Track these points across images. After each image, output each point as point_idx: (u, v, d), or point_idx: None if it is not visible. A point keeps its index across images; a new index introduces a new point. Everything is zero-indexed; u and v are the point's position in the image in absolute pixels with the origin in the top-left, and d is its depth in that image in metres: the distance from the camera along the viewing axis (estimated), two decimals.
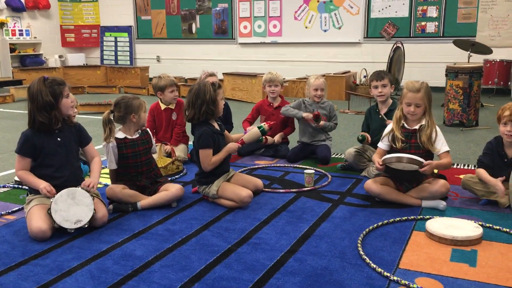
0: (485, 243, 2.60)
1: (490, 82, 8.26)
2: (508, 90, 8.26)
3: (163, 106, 4.38)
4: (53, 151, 2.85)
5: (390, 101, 3.94)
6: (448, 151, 3.16)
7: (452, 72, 5.88)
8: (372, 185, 3.23)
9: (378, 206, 3.17)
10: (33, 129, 2.83)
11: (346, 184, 3.66)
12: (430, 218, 2.86)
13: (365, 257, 2.40)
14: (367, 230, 2.74)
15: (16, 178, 3.65)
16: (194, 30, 10.96)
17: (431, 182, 3.15)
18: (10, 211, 3.12)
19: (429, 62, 8.88)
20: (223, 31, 10.67)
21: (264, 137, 4.20)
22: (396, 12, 9.17)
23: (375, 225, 2.81)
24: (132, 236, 2.72)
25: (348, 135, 5.48)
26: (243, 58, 10.47)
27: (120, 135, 3.22)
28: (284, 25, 10.07)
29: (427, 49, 9.00)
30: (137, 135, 3.28)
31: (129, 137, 3.24)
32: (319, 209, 3.14)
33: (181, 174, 3.95)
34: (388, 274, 2.22)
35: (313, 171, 3.70)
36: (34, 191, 2.85)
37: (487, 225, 2.80)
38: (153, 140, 3.43)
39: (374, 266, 2.30)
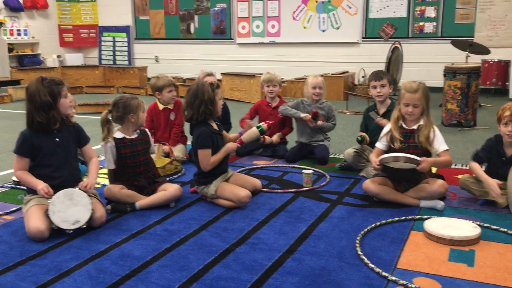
0: (483, 243, 2.60)
1: (488, 83, 8.27)
2: (506, 90, 8.27)
3: (161, 106, 4.37)
4: (51, 151, 2.85)
5: (389, 101, 3.94)
6: (447, 150, 3.17)
7: (450, 72, 5.89)
8: (370, 185, 3.23)
9: (376, 206, 3.18)
10: (32, 129, 2.83)
11: (345, 184, 3.66)
12: (428, 218, 2.86)
13: (363, 257, 2.40)
14: (365, 230, 2.75)
15: (14, 178, 3.64)
16: (192, 30, 10.96)
17: (429, 182, 3.15)
18: (8, 211, 3.11)
19: (427, 62, 8.89)
20: (221, 31, 10.67)
21: (262, 136, 4.20)
22: (394, 12, 9.17)
23: (373, 225, 2.82)
24: (130, 236, 2.72)
25: (347, 135, 5.48)
26: (242, 58, 10.47)
27: (118, 135, 3.22)
28: (282, 25, 10.07)
29: (425, 49, 9.01)
30: (136, 135, 3.28)
31: (127, 137, 3.24)
32: (317, 209, 3.14)
33: (180, 174, 3.95)
34: (386, 274, 2.23)
35: (312, 171, 3.70)
36: (32, 191, 2.85)
37: (485, 225, 2.80)
38: (152, 140, 3.42)
39: (372, 266, 2.30)
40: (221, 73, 8.92)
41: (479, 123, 5.97)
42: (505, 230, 2.74)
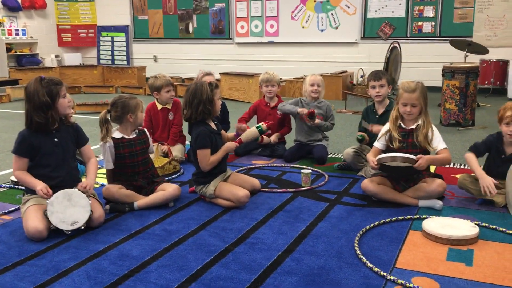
0: (482, 242, 2.60)
1: (486, 82, 8.28)
2: (504, 90, 8.28)
3: (159, 106, 4.37)
4: (50, 151, 2.84)
5: (387, 101, 3.94)
6: (446, 148, 3.17)
7: (448, 72, 5.90)
8: (369, 184, 3.23)
9: (375, 205, 3.18)
10: (30, 129, 2.83)
11: (343, 184, 3.66)
12: (426, 218, 2.87)
13: (362, 256, 2.40)
14: (364, 229, 2.75)
15: (12, 178, 3.64)
16: (191, 30, 10.95)
17: (427, 181, 3.16)
18: (6, 211, 3.11)
19: (426, 62, 8.90)
20: (220, 31, 10.66)
21: (260, 136, 4.20)
22: (392, 12, 9.18)
23: (371, 225, 2.82)
24: (129, 236, 2.72)
25: (345, 135, 5.49)
26: (240, 58, 10.47)
27: (117, 134, 3.22)
28: (281, 25, 10.07)
29: (424, 49, 9.02)
30: (134, 135, 3.28)
31: (126, 137, 3.23)
32: (316, 208, 3.14)
33: (178, 174, 3.95)
34: (385, 274, 2.23)
35: (310, 171, 3.70)
36: (31, 191, 2.85)
37: (483, 224, 2.81)
38: (150, 140, 3.42)
39: (371, 265, 2.30)
40: (220, 73, 8.92)
41: (478, 123, 5.98)
42: (504, 229, 2.74)
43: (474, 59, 7.63)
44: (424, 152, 3.20)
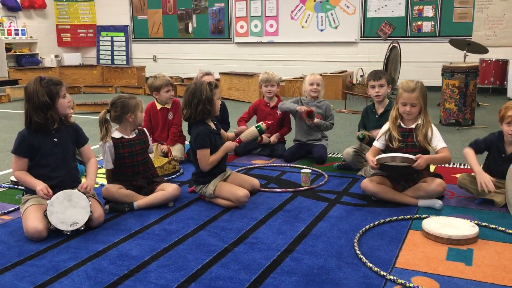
0: (481, 242, 2.60)
1: (486, 82, 8.28)
2: (504, 89, 8.28)
3: (159, 106, 4.37)
4: (49, 151, 2.84)
5: (387, 101, 3.94)
6: (445, 147, 3.17)
7: (448, 72, 5.90)
8: (368, 184, 3.23)
9: (375, 205, 3.18)
10: (30, 129, 2.82)
11: (343, 184, 3.66)
12: (426, 217, 2.87)
13: (362, 256, 2.40)
14: (363, 229, 2.75)
15: (12, 178, 3.63)
16: (190, 29, 10.95)
17: (427, 181, 3.16)
18: (6, 211, 3.11)
19: (425, 62, 8.90)
20: (219, 30, 10.66)
21: (260, 135, 4.20)
22: (392, 11, 9.18)
23: (371, 224, 2.82)
24: (129, 236, 2.72)
25: (345, 135, 5.49)
26: (240, 58, 10.46)
27: (116, 134, 3.22)
28: (280, 25, 10.07)
29: (423, 49, 9.02)
30: (134, 135, 3.28)
31: (126, 136, 3.23)
32: (315, 208, 3.14)
33: (178, 173, 3.94)
34: (385, 273, 2.23)
35: (310, 170, 3.70)
36: (30, 191, 2.85)
37: (483, 224, 2.81)
38: (150, 140, 3.42)
39: (371, 265, 2.30)
40: (219, 73, 8.92)
41: (477, 122, 5.98)
42: (503, 229, 2.74)
43: (473, 59, 7.63)
44: (424, 151, 3.21)
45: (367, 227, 2.78)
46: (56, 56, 11.63)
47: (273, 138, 4.51)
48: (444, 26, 8.87)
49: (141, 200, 3.14)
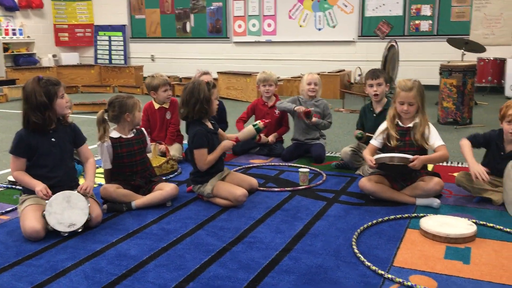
0: (479, 240, 2.61)
1: (483, 80, 8.30)
2: (501, 88, 8.29)
3: (156, 106, 4.37)
4: (47, 151, 2.84)
5: (385, 100, 3.95)
6: (443, 145, 3.17)
7: (446, 71, 5.90)
8: (366, 183, 3.23)
9: (373, 204, 3.18)
10: (27, 129, 2.82)
11: (341, 183, 3.67)
12: (424, 216, 2.87)
13: (360, 255, 2.40)
14: (361, 228, 2.75)
15: (10, 178, 3.63)
16: (188, 29, 10.94)
17: (425, 180, 3.16)
18: (3, 211, 3.10)
19: (423, 61, 8.91)
20: (217, 30, 10.65)
21: (258, 135, 4.21)
22: (390, 10, 9.18)
23: (369, 223, 2.82)
24: (127, 236, 2.72)
25: (343, 134, 5.49)
26: (238, 57, 10.46)
27: (114, 134, 3.21)
28: (278, 24, 10.06)
29: (421, 48, 9.02)
30: (132, 135, 3.27)
31: (124, 136, 3.23)
32: (314, 207, 3.14)
33: (176, 173, 3.94)
34: (383, 272, 2.23)
35: (308, 169, 3.70)
36: (28, 191, 2.84)
37: (481, 222, 2.81)
38: (148, 140, 3.42)
39: (369, 264, 2.31)
40: (217, 72, 8.91)
41: (475, 121, 5.99)
42: (501, 227, 2.75)
43: (471, 58, 7.64)
44: (422, 149, 3.21)
45: (365, 226, 2.79)
46: (54, 56, 11.61)
47: (271, 138, 4.51)
48: (442, 25, 8.88)
49: (139, 200, 3.14)
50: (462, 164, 4.13)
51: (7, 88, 8.91)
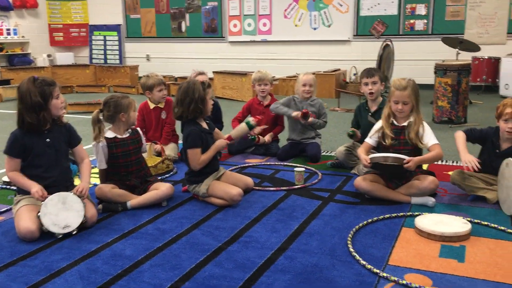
0: (474, 238, 2.62)
1: (478, 79, 8.32)
2: (496, 87, 8.32)
3: (152, 105, 4.36)
4: (42, 151, 2.83)
5: (380, 98, 3.95)
6: (437, 144, 3.18)
7: (440, 70, 5.92)
8: (361, 182, 3.24)
9: (368, 203, 3.19)
10: (22, 130, 2.81)
11: (336, 182, 3.67)
12: (419, 215, 2.88)
13: (355, 254, 2.41)
14: (357, 227, 2.76)
15: (4, 179, 3.61)
16: (183, 28, 10.92)
17: (420, 178, 3.17)
18: None
19: (418, 60, 8.93)
20: (212, 29, 10.64)
21: (256, 136, 4.22)
22: (385, 10, 9.20)
23: (365, 222, 2.83)
24: (122, 236, 2.71)
25: (338, 133, 5.50)
26: (233, 57, 10.45)
27: (110, 134, 3.21)
28: (274, 23, 10.06)
29: (416, 47, 9.04)
30: (127, 135, 3.27)
31: (119, 136, 3.22)
32: (309, 206, 3.15)
33: (171, 173, 3.94)
34: (378, 271, 2.23)
35: (303, 169, 3.71)
36: (23, 191, 2.83)
37: (476, 221, 2.82)
38: (143, 139, 3.41)
39: (364, 263, 2.31)
40: (213, 72, 8.90)
41: (470, 120, 6.00)
42: (495, 225, 2.76)
43: (466, 57, 7.66)
44: (416, 148, 3.22)
45: (361, 225, 2.79)
46: (49, 56, 11.56)
47: (268, 138, 4.51)
48: (436, 24, 8.91)
49: (134, 200, 3.13)
50: (457, 162, 4.14)
51: (2, 88, 8.87)
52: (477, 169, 3.03)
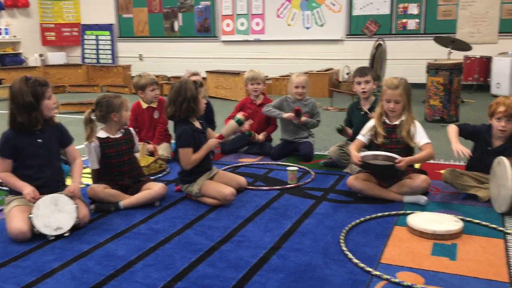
0: (465, 236, 2.63)
1: (470, 79, 8.37)
2: (487, 86, 8.37)
3: (144, 105, 4.35)
4: (34, 152, 2.81)
5: (373, 97, 3.97)
6: (428, 143, 3.20)
7: (432, 69, 5.95)
8: (354, 181, 3.25)
9: (361, 202, 3.20)
10: (14, 130, 2.79)
11: (329, 181, 3.68)
12: (411, 213, 2.89)
13: (348, 252, 2.42)
14: (349, 226, 2.76)
15: None
16: (176, 28, 10.89)
17: (412, 177, 3.18)
18: None
19: (411, 59, 8.95)
20: (205, 29, 10.63)
21: (252, 135, 4.24)
22: (377, 9, 9.22)
23: (357, 221, 2.83)
24: (115, 236, 2.70)
25: (331, 132, 5.50)
26: (226, 56, 10.44)
27: (102, 134, 3.19)
28: (266, 23, 10.06)
29: (409, 46, 9.07)
30: (120, 134, 3.25)
31: (111, 136, 3.21)
32: (302, 205, 3.15)
33: (164, 172, 3.93)
34: (370, 269, 2.24)
35: (296, 168, 3.71)
36: (15, 191, 2.81)
37: (467, 219, 2.84)
38: (136, 139, 3.40)
39: (356, 261, 2.32)
40: (206, 71, 8.89)
41: (462, 119, 6.03)
42: (487, 223, 2.78)
43: (458, 56, 7.70)
44: (408, 147, 3.24)
45: (353, 223, 2.80)
46: (41, 55, 11.49)
47: (261, 137, 4.51)
48: (428, 23, 8.94)
49: (127, 200, 3.12)
50: (449, 161, 4.16)
51: None
52: (468, 155, 3.05)
